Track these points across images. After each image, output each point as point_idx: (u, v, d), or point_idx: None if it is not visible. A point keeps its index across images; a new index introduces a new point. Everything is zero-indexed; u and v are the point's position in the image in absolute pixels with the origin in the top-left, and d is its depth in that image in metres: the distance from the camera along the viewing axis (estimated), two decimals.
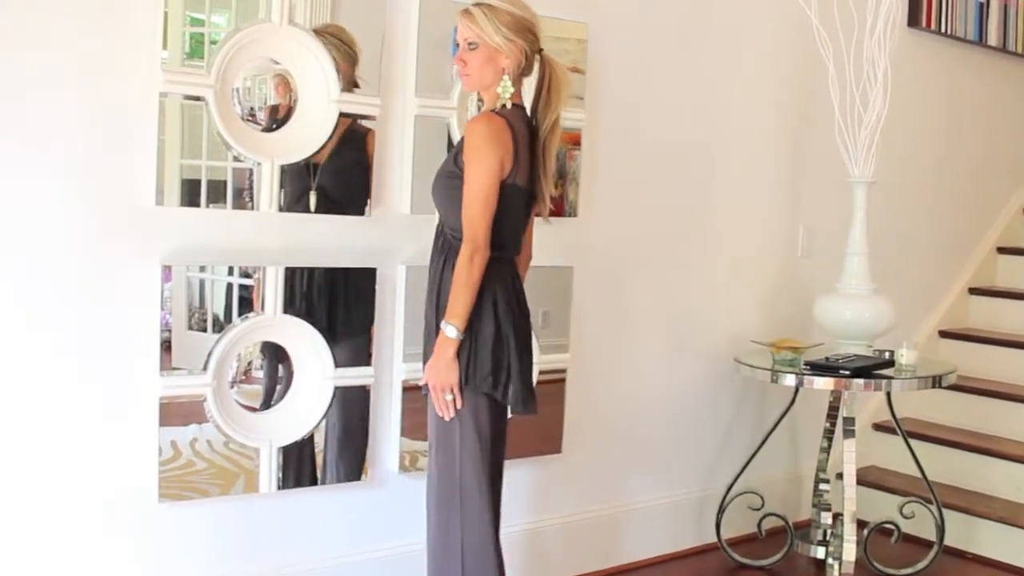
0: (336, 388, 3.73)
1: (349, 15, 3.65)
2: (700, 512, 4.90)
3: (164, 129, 3.33)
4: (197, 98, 3.36)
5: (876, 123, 4.60)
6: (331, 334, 3.70)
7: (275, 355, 3.66)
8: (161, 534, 3.50)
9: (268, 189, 3.51)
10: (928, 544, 4.73)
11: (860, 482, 4.55)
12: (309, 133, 3.60)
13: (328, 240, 3.72)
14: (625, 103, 4.46)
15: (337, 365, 3.72)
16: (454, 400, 3.18)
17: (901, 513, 4.72)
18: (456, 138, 3.83)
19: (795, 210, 5.20)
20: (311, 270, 3.66)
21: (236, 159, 3.46)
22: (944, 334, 6.02)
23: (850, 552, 4.36)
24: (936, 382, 4.47)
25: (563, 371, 4.29)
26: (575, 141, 4.21)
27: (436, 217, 3.34)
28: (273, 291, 3.56)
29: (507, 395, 3.22)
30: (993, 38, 6.14)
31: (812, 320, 4.82)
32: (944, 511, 4.69)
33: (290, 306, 3.61)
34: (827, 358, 4.40)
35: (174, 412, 3.43)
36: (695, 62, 4.70)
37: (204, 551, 3.61)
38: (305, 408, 3.70)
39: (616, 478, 4.66)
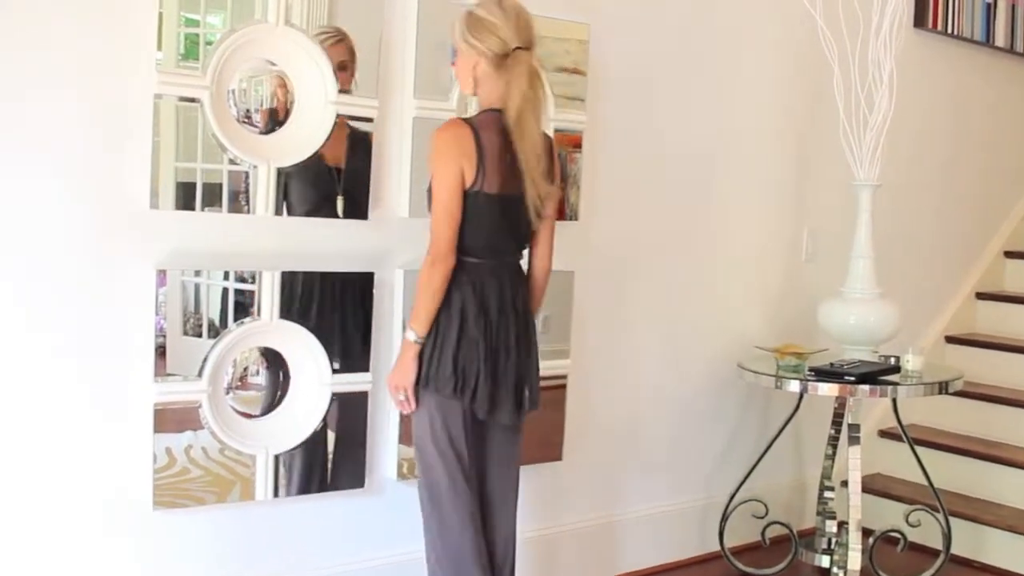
0: (333, 394, 3.73)
1: (347, 16, 3.65)
2: (703, 520, 4.90)
3: (159, 131, 3.33)
4: (192, 100, 3.36)
5: (882, 125, 4.60)
6: (328, 339, 3.70)
7: (272, 361, 3.66)
8: (156, 542, 3.50)
9: (264, 192, 3.51)
10: (935, 553, 4.72)
11: (865, 490, 4.56)
12: (306, 135, 3.60)
13: (325, 244, 3.72)
14: (627, 105, 4.47)
15: (334, 371, 3.72)
16: (407, 400, 3.33)
17: (907, 521, 4.71)
18: None
19: (799, 213, 5.20)
20: (308, 274, 3.66)
21: (232, 162, 3.46)
22: (950, 339, 6.02)
23: (855, 561, 4.36)
24: (942, 388, 4.47)
25: (564, 377, 4.29)
26: (576, 143, 4.21)
27: None
28: (269, 296, 3.56)
29: (473, 400, 3.29)
30: (1001, 39, 6.14)
31: (816, 325, 4.82)
32: (951, 519, 4.68)
33: (287, 311, 3.61)
34: (832, 364, 4.40)
35: (169, 418, 3.43)
36: (698, 63, 4.71)
37: (200, 560, 3.60)
38: (302, 414, 3.70)
39: (617, 485, 4.66)
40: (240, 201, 3.50)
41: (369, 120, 3.71)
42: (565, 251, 4.17)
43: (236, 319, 3.54)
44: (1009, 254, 6.39)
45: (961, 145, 6.02)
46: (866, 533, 4.47)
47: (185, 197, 3.41)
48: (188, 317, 3.49)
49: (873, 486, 5.23)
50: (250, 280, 3.55)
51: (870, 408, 5.51)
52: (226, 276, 3.54)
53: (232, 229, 3.54)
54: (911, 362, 4.49)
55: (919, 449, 4.77)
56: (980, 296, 6.21)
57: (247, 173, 3.49)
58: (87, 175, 3.27)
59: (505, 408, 3.34)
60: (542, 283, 3.52)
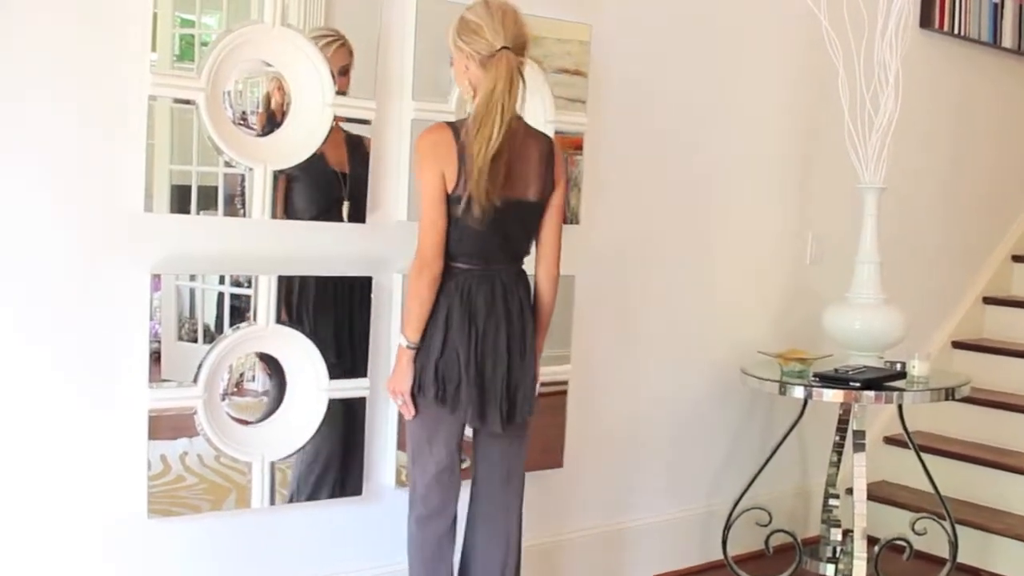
0: (331, 400, 3.73)
1: (344, 17, 3.65)
2: (706, 528, 4.90)
3: (153, 133, 3.33)
4: (187, 101, 3.37)
5: (887, 127, 4.60)
6: (325, 344, 3.70)
7: (268, 366, 3.67)
8: (151, 551, 3.50)
9: (260, 195, 3.51)
10: (941, 562, 4.72)
11: (871, 497, 4.55)
12: (303, 137, 3.60)
13: (322, 248, 3.73)
14: (628, 106, 4.47)
15: (332, 377, 3.72)
16: (406, 404, 3.37)
17: (913, 529, 4.70)
18: None
19: (803, 217, 5.20)
20: (305, 279, 3.66)
21: (227, 164, 3.46)
22: (957, 345, 6.02)
23: (860, 570, 4.36)
24: (949, 394, 4.46)
25: (565, 383, 4.29)
26: (577, 146, 4.21)
27: None
28: (266, 300, 3.57)
29: (457, 407, 3.31)
30: (1008, 39, 6.15)
31: (821, 330, 4.81)
32: (957, 527, 4.67)
33: (284, 316, 3.62)
34: (836, 369, 4.40)
35: (163, 425, 3.43)
36: (701, 64, 4.71)
37: (195, 568, 3.60)
38: (299, 421, 3.70)
39: (619, 493, 4.66)
40: (236, 204, 3.50)
41: (366, 122, 3.72)
42: (566, 255, 4.15)
43: (232, 324, 3.55)
44: (1017, 258, 6.40)
45: (968, 147, 6.03)
46: (871, 541, 4.47)
47: (180, 200, 3.42)
48: (183, 322, 3.49)
49: (878, 494, 5.23)
50: (246, 284, 3.55)
51: (875, 414, 5.51)
52: (222, 280, 3.54)
53: (228, 233, 3.55)
54: (917, 368, 4.48)
55: (925, 456, 4.76)
56: (987, 301, 6.21)
57: (243, 176, 3.50)
58: (80, 178, 3.27)
59: (494, 416, 3.33)
60: (546, 290, 3.48)
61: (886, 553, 4.63)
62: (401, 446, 3.86)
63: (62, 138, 3.23)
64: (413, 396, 3.34)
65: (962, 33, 5.86)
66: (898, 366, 4.53)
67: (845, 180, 4.82)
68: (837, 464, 4.78)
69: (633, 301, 4.60)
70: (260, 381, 3.67)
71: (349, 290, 3.75)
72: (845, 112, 4.63)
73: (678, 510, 4.86)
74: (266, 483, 3.62)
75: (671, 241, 4.70)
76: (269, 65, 3.55)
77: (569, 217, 4.21)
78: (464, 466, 3.52)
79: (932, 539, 4.75)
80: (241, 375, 3.62)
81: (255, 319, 3.56)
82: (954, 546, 4.65)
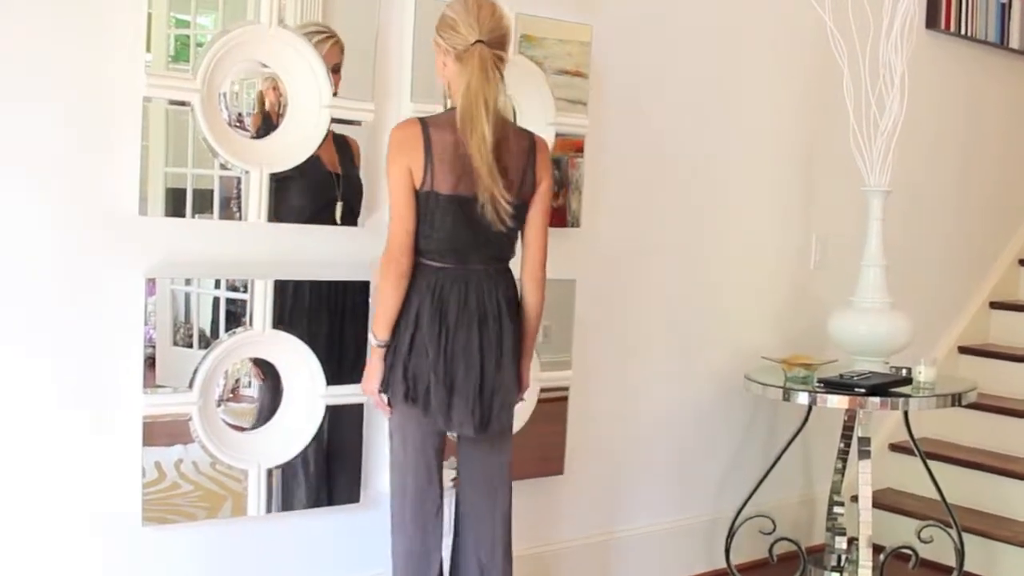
0: (328, 406, 3.73)
1: (341, 16, 3.66)
2: (709, 536, 4.90)
3: (148, 135, 3.33)
4: (182, 103, 3.37)
5: (893, 129, 4.60)
6: (322, 350, 3.70)
7: (264, 372, 3.67)
8: (145, 559, 3.50)
9: (256, 198, 3.51)
10: (947, 570, 4.72)
11: (876, 505, 4.55)
12: (299, 139, 3.61)
13: (319, 252, 3.73)
14: (630, 108, 4.47)
15: (329, 382, 3.72)
16: (380, 404, 3.42)
17: (919, 537, 4.70)
18: None
19: (808, 220, 5.21)
20: (301, 283, 3.67)
21: (223, 167, 3.47)
22: (964, 350, 6.02)
23: None
24: (956, 400, 4.47)
25: (565, 389, 4.29)
26: (578, 148, 4.22)
27: None
28: (262, 305, 3.56)
29: (427, 408, 3.30)
30: (1015, 40, 6.15)
31: (826, 335, 4.81)
32: (964, 535, 4.67)
33: (280, 321, 3.62)
34: (841, 375, 4.40)
35: (158, 432, 3.43)
36: (703, 64, 4.71)
37: None
38: (295, 427, 3.70)
39: (621, 501, 4.66)
40: (232, 207, 3.51)
41: (353, 123, 3.71)
42: (566, 259, 4.18)
43: (228, 329, 3.55)
44: None
45: (974, 149, 6.03)
46: (877, 550, 4.47)
47: (175, 203, 3.42)
48: (178, 327, 3.49)
49: (884, 501, 5.23)
50: (242, 289, 3.55)
51: (881, 421, 5.51)
52: (217, 285, 3.54)
53: (223, 236, 3.55)
54: (923, 373, 4.49)
55: (931, 463, 4.77)
56: (994, 305, 6.22)
57: (239, 179, 3.50)
58: (73, 181, 3.27)
59: (465, 419, 3.30)
60: (530, 293, 3.43)
61: (892, 561, 4.63)
62: None
63: (54, 140, 3.23)
64: (386, 396, 3.37)
65: (969, 34, 5.86)
66: (904, 372, 4.54)
67: (850, 183, 4.82)
68: (842, 471, 4.79)
69: (635, 305, 4.60)
70: (256, 387, 3.67)
71: (346, 294, 3.75)
72: (850, 114, 4.63)
73: (681, 518, 4.85)
74: (262, 490, 3.62)
75: (674, 245, 4.70)
76: (265, 66, 3.55)
77: (570, 220, 4.22)
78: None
79: (938, 547, 4.75)
80: (237, 381, 3.62)
81: (251, 324, 3.56)
82: (961, 554, 4.65)
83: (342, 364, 3.74)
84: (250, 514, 3.62)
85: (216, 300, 3.55)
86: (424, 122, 3.26)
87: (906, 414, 4.68)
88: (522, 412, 4.04)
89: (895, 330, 4.62)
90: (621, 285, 4.54)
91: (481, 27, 3.21)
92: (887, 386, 4.35)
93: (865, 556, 4.36)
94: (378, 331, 3.32)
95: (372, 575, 3.92)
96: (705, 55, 4.72)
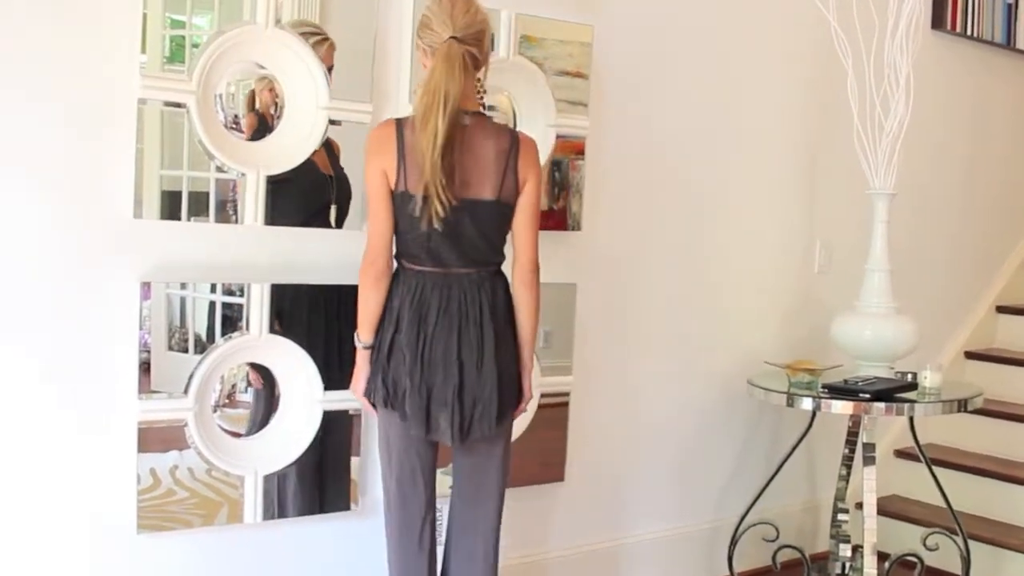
0: (325, 412, 3.73)
1: (339, 17, 3.66)
2: (712, 544, 4.90)
3: (143, 137, 3.34)
4: (178, 105, 3.37)
5: (898, 131, 4.60)
6: (319, 355, 3.70)
7: (261, 377, 3.66)
8: (140, 567, 3.49)
9: (253, 201, 3.51)
10: None
11: (881, 512, 4.55)
12: (296, 142, 3.61)
13: (316, 255, 3.72)
14: (632, 110, 4.47)
15: (326, 388, 3.72)
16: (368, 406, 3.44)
17: (924, 545, 4.70)
18: None
19: (812, 223, 5.21)
20: (298, 287, 3.67)
21: (219, 169, 3.47)
22: (970, 355, 6.02)
23: None
24: (962, 406, 4.46)
25: (566, 394, 4.30)
26: (578, 150, 4.22)
27: None
28: (258, 309, 3.56)
29: (404, 413, 3.29)
30: (1022, 41, 6.16)
31: (830, 340, 4.81)
32: (970, 543, 4.67)
33: (276, 325, 3.62)
34: (846, 380, 4.40)
35: (153, 438, 3.43)
36: (706, 65, 4.71)
37: None
38: (292, 433, 3.70)
39: (622, 508, 4.66)
40: (228, 210, 3.51)
41: (337, 124, 3.69)
42: (567, 263, 4.19)
43: (224, 334, 3.55)
44: None
45: (981, 151, 6.03)
46: (882, 557, 4.47)
47: (170, 206, 3.42)
48: (173, 332, 3.49)
49: (889, 508, 5.23)
50: (238, 293, 3.55)
51: (886, 427, 5.50)
52: (213, 289, 3.54)
53: (219, 239, 3.55)
54: (929, 379, 4.48)
55: (937, 470, 4.77)
56: (1001, 310, 6.21)
57: (235, 181, 3.50)
58: (67, 183, 3.27)
59: (444, 427, 3.28)
60: (520, 297, 3.38)
61: (897, 569, 4.63)
62: None
63: (47, 142, 3.23)
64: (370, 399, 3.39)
65: (975, 34, 5.86)
66: (909, 377, 4.53)
67: (854, 186, 4.81)
68: (846, 478, 4.78)
69: (636, 310, 4.60)
70: (252, 392, 3.67)
71: (344, 299, 3.73)
72: (854, 116, 4.63)
73: (683, 525, 4.85)
74: (259, 497, 3.62)
75: (675, 248, 4.70)
76: (262, 67, 3.55)
77: (571, 223, 4.21)
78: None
79: (944, 555, 4.74)
80: (233, 386, 3.62)
81: (247, 328, 3.56)
82: (967, 562, 4.65)
83: (340, 369, 3.72)
84: (247, 521, 3.62)
85: (212, 304, 3.55)
86: (400, 122, 3.26)
87: (911, 420, 4.67)
88: (522, 417, 4.04)
89: (900, 335, 4.62)
90: (622, 289, 4.54)
91: (455, 23, 3.19)
92: (892, 391, 4.35)
93: (870, 564, 4.36)
94: (361, 333, 3.35)
95: None
96: (707, 56, 4.72)
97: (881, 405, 4.27)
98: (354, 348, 3.38)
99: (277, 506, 3.67)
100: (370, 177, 3.25)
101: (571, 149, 4.18)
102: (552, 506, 4.39)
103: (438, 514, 3.51)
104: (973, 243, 6.08)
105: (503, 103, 4.05)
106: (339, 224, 3.72)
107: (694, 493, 4.89)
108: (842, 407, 4.32)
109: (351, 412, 3.77)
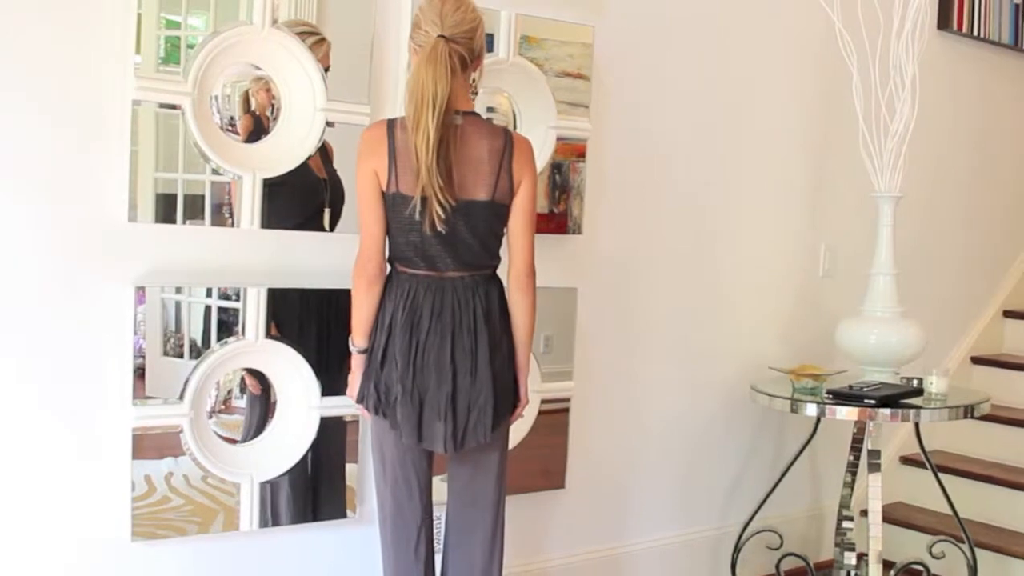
0: (322, 418, 3.72)
1: (336, 17, 3.65)
2: (715, 551, 4.90)
3: (137, 140, 3.33)
4: (173, 106, 3.37)
5: (903, 133, 4.60)
6: (316, 360, 3.70)
7: (257, 383, 3.66)
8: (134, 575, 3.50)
9: (249, 204, 3.51)
10: None
11: (886, 519, 4.55)
12: (293, 144, 3.60)
13: (313, 259, 3.72)
14: (633, 111, 4.47)
15: (323, 394, 3.71)
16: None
17: (930, 553, 4.70)
18: None
19: (816, 227, 5.20)
20: (295, 292, 3.66)
21: (215, 172, 3.46)
22: (977, 360, 6.02)
23: None
24: (968, 412, 4.46)
25: (567, 400, 4.29)
26: (579, 152, 4.21)
27: None
28: (255, 314, 3.56)
29: (395, 421, 3.28)
30: None
31: (834, 345, 4.81)
32: (977, 551, 4.67)
33: (273, 330, 3.61)
34: (851, 386, 4.40)
35: (148, 444, 3.42)
36: (709, 68, 4.71)
37: None
38: (289, 440, 3.69)
39: (625, 515, 4.65)
40: (224, 214, 3.50)
41: (331, 126, 3.68)
42: (568, 267, 4.19)
43: (219, 339, 3.54)
44: None
45: (987, 154, 6.03)
46: (887, 565, 4.47)
47: (165, 209, 3.42)
48: (168, 337, 3.49)
49: (894, 515, 5.23)
50: (234, 297, 3.55)
51: (891, 433, 5.50)
52: (209, 293, 3.53)
53: (215, 243, 3.55)
54: (935, 384, 4.48)
55: (943, 476, 4.76)
56: (1008, 314, 6.21)
57: (230, 184, 3.49)
58: (61, 186, 3.27)
59: (436, 436, 3.26)
60: (516, 302, 3.36)
61: None
62: None
63: (40, 145, 3.22)
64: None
65: (982, 35, 5.86)
66: (915, 382, 4.53)
67: (859, 189, 4.82)
68: (851, 485, 4.78)
69: (638, 314, 4.60)
70: (248, 398, 3.67)
71: (341, 303, 3.73)
72: (859, 117, 4.63)
73: (686, 532, 4.85)
74: (255, 504, 3.61)
75: (678, 252, 4.69)
76: (258, 68, 3.55)
77: (572, 227, 4.21)
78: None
79: (950, 563, 4.74)
80: (229, 392, 3.62)
81: (244, 333, 3.56)
82: (973, 570, 4.64)
83: (337, 375, 3.72)
84: (243, 529, 3.61)
85: (207, 309, 3.54)
86: (391, 123, 3.24)
87: (917, 426, 4.67)
88: (522, 424, 4.04)
89: (906, 340, 4.62)
90: (624, 293, 4.54)
91: (443, 22, 3.17)
92: (898, 397, 4.34)
93: (875, 572, 4.36)
94: (355, 337, 3.33)
95: None
96: (710, 56, 4.71)
97: (886, 411, 4.27)
98: (350, 353, 3.37)
99: (273, 514, 3.67)
100: (360, 179, 3.23)
101: (572, 151, 4.17)
102: (553, 513, 4.39)
103: (435, 521, 3.50)
104: (980, 246, 6.07)
105: (503, 104, 4.05)
106: (332, 227, 3.71)
107: (697, 500, 4.89)
108: (847, 413, 4.31)
109: (348, 418, 3.77)
